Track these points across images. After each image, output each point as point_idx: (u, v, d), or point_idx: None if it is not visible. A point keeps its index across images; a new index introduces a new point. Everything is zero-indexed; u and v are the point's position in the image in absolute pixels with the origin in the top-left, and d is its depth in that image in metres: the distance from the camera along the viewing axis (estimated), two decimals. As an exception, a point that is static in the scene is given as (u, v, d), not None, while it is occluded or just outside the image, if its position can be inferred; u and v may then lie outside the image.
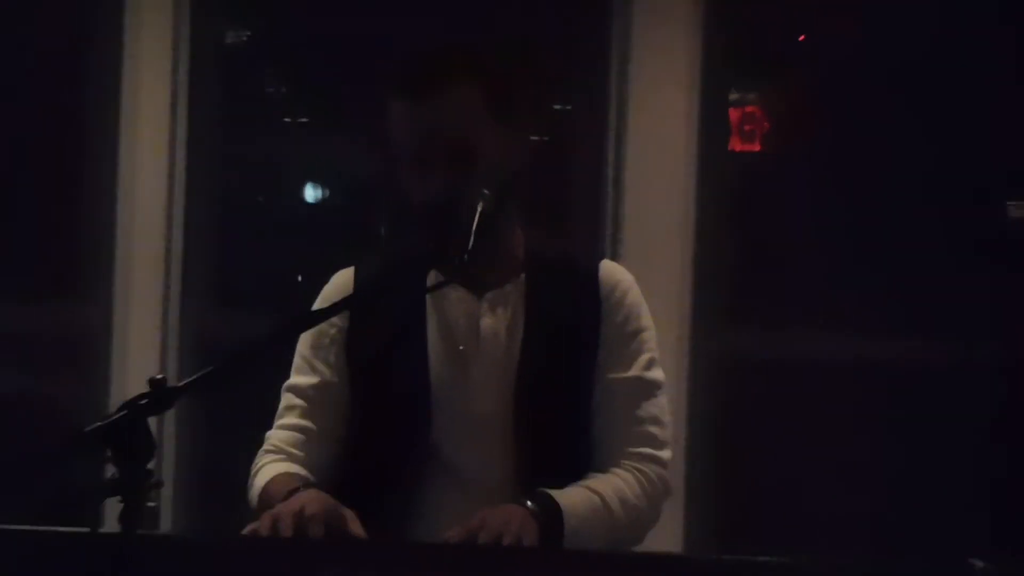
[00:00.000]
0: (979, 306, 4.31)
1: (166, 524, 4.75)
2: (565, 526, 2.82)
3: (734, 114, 5.03)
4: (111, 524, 2.19)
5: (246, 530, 2.72)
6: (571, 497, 2.87)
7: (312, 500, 2.74)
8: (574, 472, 2.96)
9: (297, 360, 3.08)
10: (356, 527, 2.72)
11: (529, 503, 2.81)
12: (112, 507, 2.16)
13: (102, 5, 4.99)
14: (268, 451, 3.05)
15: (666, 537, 4.18)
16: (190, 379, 2.34)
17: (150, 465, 2.20)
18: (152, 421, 2.21)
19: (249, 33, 5.28)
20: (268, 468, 3.00)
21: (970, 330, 4.58)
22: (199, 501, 4.97)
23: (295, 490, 2.81)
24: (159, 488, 2.24)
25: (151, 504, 2.23)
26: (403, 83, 2.93)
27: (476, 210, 2.77)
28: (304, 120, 5.33)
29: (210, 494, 4.97)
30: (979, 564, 3.03)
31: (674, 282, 4.80)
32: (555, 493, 2.85)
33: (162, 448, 4.82)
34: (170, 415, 4.78)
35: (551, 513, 2.81)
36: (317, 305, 3.07)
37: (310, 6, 5.15)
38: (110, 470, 2.18)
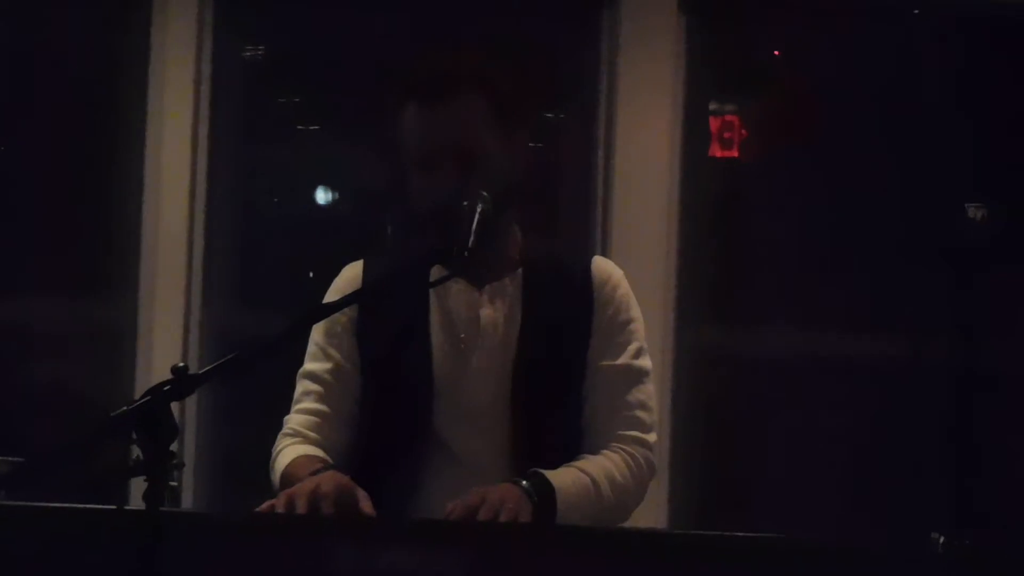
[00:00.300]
0: (941, 302, 4.32)
1: (187, 502, 4.73)
2: (558, 504, 2.80)
3: (714, 123, 5.02)
4: (136, 502, 2.18)
5: (262, 507, 2.70)
6: (563, 477, 2.85)
7: (327, 480, 2.72)
8: (566, 455, 2.94)
9: (312, 348, 3.06)
10: (367, 506, 2.70)
11: (525, 482, 2.80)
12: (137, 486, 2.15)
13: (132, 23, 4.99)
14: (287, 435, 3.02)
15: (651, 514, 4.18)
16: (210, 367, 2.33)
17: (172, 447, 2.19)
18: (175, 406, 2.20)
19: (265, 48, 5.27)
20: (288, 451, 2.98)
21: (933, 324, 4.58)
22: (217, 481, 4.97)
23: (317, 471, 2.79)
24: (181, 469, 2.24)
25: (173, 484, 2.23)
26: (413, 90, 2.93)
27: (476, 211, 2.76)
28: (315, 128, 5.32)
29: (227, 474, 4.97)
30: (940, 539, 3.03)
31: (659, 279, 4.80)
32: (548, 473, 2.83)
33: (184, 432, 4.81)
34: (191, 401, 4.77)
35: (545, 492, 2.80)
36: (328, 295, 3.07)
37: (320, 24, 5.15)
38: (135, 452, 2.18)
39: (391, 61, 5.01)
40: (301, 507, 2.64)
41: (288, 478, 2.88)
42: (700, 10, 4.90)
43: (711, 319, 4.99)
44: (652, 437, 3.02)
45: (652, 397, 3.05)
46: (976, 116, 4.06)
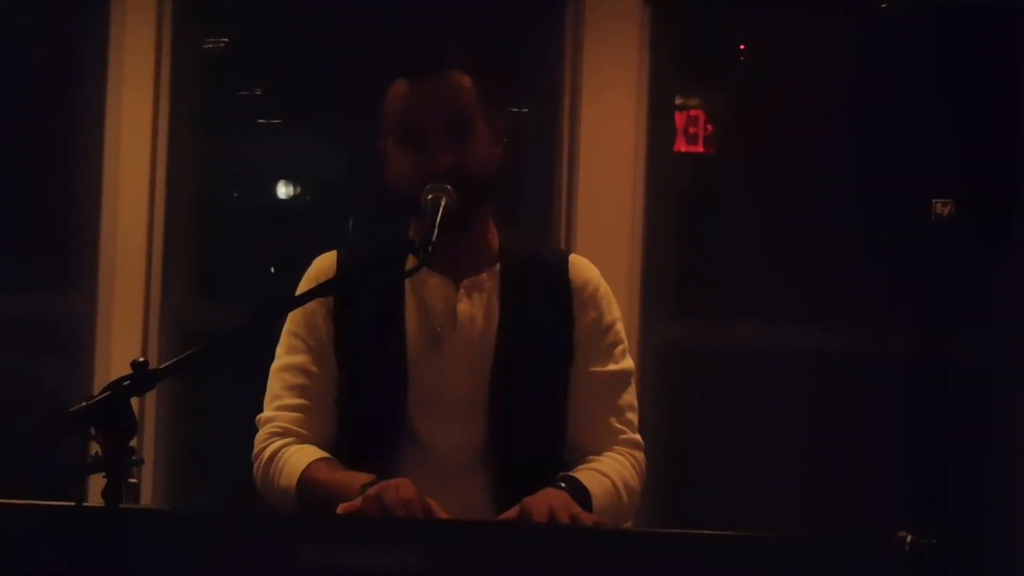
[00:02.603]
0: (905, 298, 4.32)
1: (146, 499, 4.71)
2: (593, 509, 2.81)
3: (679, 118, 5.02)
4: (95, 498, 2.16)
5: (341, 508, 2.66)
6: (593, 481, 2.87)
7: (406, 485, 2.68)
8: (541, 452, 2.96)
9: (291, 340, 3.02)
10: (441, 512, 2.69)
11: (563, 484, 2.81)
12: (96, 483, 2.14)
13: (90, 14, 4.96)
14: (275, 434, 2.97)
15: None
16: (171, 362, 2.31)
17: (132, 443, 2.17)
18: (134, 401, 2.18)
19: (226, 40, 5.26)
20: (290, 452, 2.93)
21: (896, 320, 4.58)
22: (177, 477, 4.95)
23: (371, 480, 2.74)
24: (140, 465, 2.22)
25: (132, 480, 2.22)
26: (403, 66, 2.97)
27: (440, 204, 2.76)
28: (277, 122, 5.31)
29: (187, 471, 4.96)
30: (908, 537, 3.03)
31: (624, 274, 4.79)
32: (580, 478, 2.85)
33: (143, 427, 4.79)
34: (151, 395, 4.75)
35: (582, 497, 2.81)
36: (301, 286, 3.04)
37: (283, 17, 5.13)
38: (94, 448, 2.16)
39: (352, 56, 5.00)
40: (398, 509, 2.61)
41: (316, 484, 2.84)
42: (665, 4, 4.90)
43: (675, 313, 4.99)
44: (639, 436, 3.06)
45: (635, 395, 3.10)
46: (943, 110, 4.06)
